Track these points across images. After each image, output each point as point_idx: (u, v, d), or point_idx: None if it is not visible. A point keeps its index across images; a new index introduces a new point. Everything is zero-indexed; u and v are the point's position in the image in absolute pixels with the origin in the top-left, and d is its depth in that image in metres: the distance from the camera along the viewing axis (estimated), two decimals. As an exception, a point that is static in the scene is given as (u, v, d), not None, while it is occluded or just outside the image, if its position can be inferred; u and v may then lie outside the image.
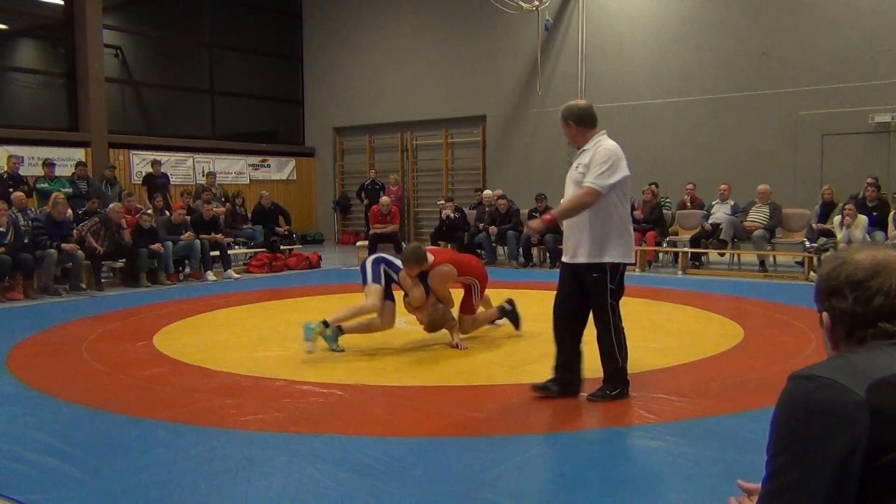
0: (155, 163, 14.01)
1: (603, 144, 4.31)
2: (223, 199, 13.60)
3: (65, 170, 12.91)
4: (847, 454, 1.19)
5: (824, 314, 1.43)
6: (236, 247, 12.49)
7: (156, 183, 13.35)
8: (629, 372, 4.36)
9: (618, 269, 4.26)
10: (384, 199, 13.47)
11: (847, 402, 1.21)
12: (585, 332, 4.40)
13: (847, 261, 1.42)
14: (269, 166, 17.99)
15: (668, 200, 12.69)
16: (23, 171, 11.87)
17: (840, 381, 1.24)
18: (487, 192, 13.37)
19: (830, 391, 1.24)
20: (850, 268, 1.40)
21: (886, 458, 1.19)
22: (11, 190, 10.83)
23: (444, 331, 5.92)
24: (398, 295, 5.93)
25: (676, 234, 11.91)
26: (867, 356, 1.30)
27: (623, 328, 4.31)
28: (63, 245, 9.41)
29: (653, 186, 12.10)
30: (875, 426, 1.19)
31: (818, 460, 1.22)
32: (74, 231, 9.94)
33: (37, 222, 9.48)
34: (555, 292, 4.44)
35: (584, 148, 4.38)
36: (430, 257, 5.78)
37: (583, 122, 4.44)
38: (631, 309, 7.81)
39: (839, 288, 1.40)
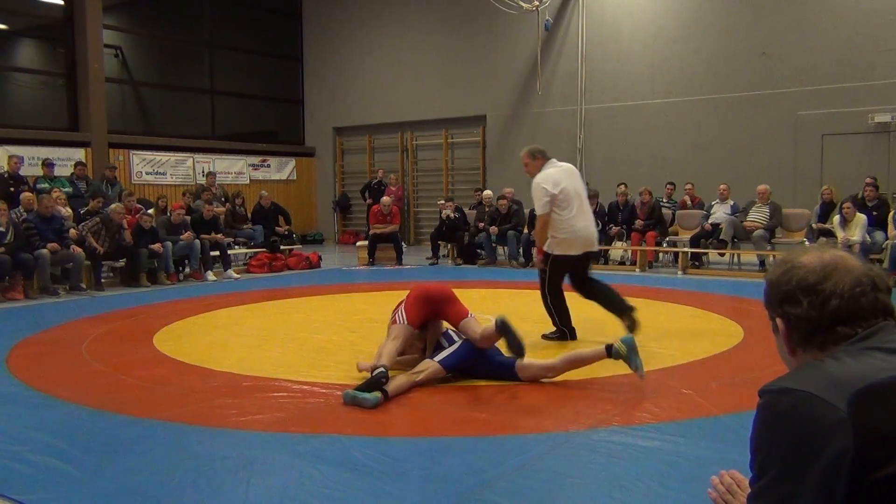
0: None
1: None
2: (223, 199, 13.59)
3: (65, 170, 12.91)
4: (833, 471, 1.16)
5: (778, 320, 1.39)
6: (236, 247, 12.49)
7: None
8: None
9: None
10: (384, 199, 13.47)
11: (829, 419, 1.18)
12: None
13: (795, 265, 1.38)
14: (269, 166, 17.99)
15: (672, 200, 12.65)
16: (23, 171, 11.85)
17: (818, 395, 1.20)
18: (487, 192, 13.37)
19: (809, 406, 1.20)
20: (801, 272, 1.36)
21: (875, 475, 1.15)
22: (12, 190, 10.83)
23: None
24: None
25: (676, 234, 11.92)
26: (839, 364, 1.26)
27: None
28: (49, 245, 9.24)
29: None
30: (859, 442, 1.16)
31: (804, 479, 1.19)
32: (73, 231, 9.94)
33: (27, 223, 9.40)
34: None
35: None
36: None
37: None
38: (631, 309, 7.85)
39: (791, 293, 1.36)
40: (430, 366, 4.62)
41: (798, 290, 1.35)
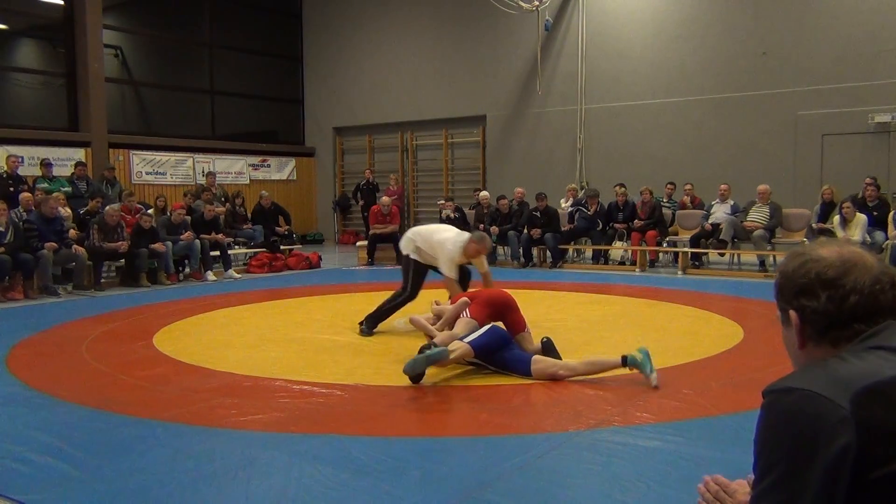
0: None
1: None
2: (223, 199, 13.59)
3: (64, 170, 12.90)
4: (835, 468, 1.16)
5: (792, 313, 1.37)
6: (236, 247, 12.49)
7: None
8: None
9: None
10: (384, 199, 13.47)
11: (832, 416, 1.17)
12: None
13: (814, 258, 1.36)
14: (269, 166, 17.99)
15: (672, 200, 12.64)
16: (22, 171, 11.84)
17: (821, 393, 1.20)
18: (484, 193, 13.36)
19: (813, 404, 1.20)
20: (820, 265, 1.34)
21: (876, 474, 1.15)
22: (11, 190, 10.82)
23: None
24: None
25: (676, 234, 11.92)
26: (844, 362, 1.25)
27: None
28: (47, 244, 9.20)
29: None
30: (862, 440, 1.15)
31: (807, 477, 1.18)
32: (72, 231, 9.92)
33: (27, 224, 9.38)
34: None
35: None
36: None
37: None
38: (631, 309, 7.86)
39: (810, 286, 1.33)
40: (461, 346, 4.82)
41: (817, 284, 1.33)
